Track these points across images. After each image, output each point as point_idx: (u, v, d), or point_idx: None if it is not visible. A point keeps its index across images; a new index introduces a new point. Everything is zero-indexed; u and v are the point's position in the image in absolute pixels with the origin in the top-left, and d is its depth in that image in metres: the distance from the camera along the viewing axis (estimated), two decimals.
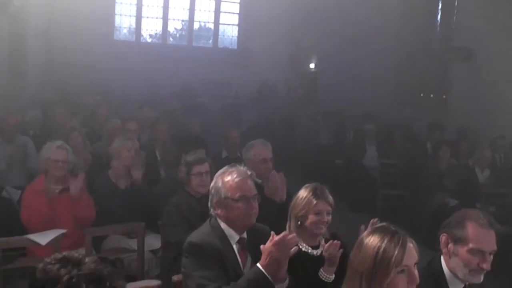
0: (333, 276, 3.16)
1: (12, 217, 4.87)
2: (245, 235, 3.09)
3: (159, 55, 12.78)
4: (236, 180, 3.02)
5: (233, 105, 12.57)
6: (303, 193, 3.30)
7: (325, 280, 3.16)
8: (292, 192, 3.72)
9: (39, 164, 4.92)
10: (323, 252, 3.16)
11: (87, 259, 1.48)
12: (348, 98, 11.55)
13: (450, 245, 2.71)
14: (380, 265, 2.14)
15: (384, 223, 2.31)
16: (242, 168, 3.16)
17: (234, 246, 3.04)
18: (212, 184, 3.12)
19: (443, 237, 2.76)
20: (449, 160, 7.59)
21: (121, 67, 11.45)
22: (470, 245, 2.63)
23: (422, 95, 11.66)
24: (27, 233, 4.24)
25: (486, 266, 2.62)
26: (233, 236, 3.05)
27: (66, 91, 10.05)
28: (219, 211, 3.04)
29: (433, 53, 11.45)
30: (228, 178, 3.04)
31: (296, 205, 3.29)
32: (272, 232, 2.78)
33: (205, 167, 4.42)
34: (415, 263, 2.19)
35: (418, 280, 2.18)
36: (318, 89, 13.44)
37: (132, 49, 12.87)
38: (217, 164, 5.44)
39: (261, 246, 2.77)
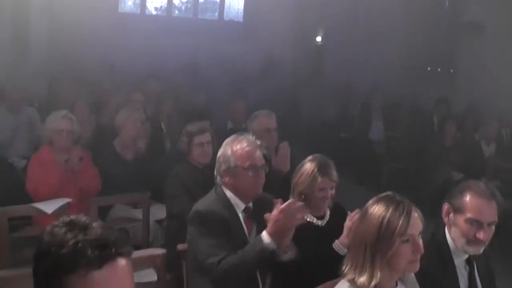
0: (346, 250, 3.11)
1: (18, 187, 4.89)
2: (250, 204, 3.10)
3: (164, 28, 12.68)
4: (246, 149, 3.01)
5: (239, 79, 12.51)
6: (308, 168, 3.27)
7: (340, 253, 3.13)
8: (296, 164, 3.70)
9: (44, 135, 4.91)
10: (347, 222, 3.13)
11: (94, 224, 1.46)
12: (355, 72, 11.48)
13: (451, 215, 2.72)
14: (385, 234, 2.14)
15: (389, 192, 2.30)
16: (251, 137, 3.15)
17: (240, 215, 3.05)
18: (220, 152, 3.09)
19: (445, 207, 2.76)
20: (455, 134, 7.56)
21: (126, 39, 11.40)
22: (468, 215, 2.63)
23: (429, 69, 11.57)
24: (32, 202, 4.26)
25: (482, 236, 2.60)
26: (239, 205, 3.05)
27: (71, 64, 10.02)
28: (227, 179, 3.03)
29: (441, 28, 11.33)
30: (238, 146, 3.03)
31: (301, 182, 3.26)
32: (278, 200, 2.78)
33: (206, 137, 4.38)
34: (420, 233, 2.19)
35: (422, 250, 2.18)
36: (324, 63, 13.36)
37: (137, 22, 12.77)
38: (222, 135, 5.47)
39: (266, 215, 2.78)
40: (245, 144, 3.03)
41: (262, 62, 13.24)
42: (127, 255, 1.49)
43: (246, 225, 3.05)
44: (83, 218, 1.48)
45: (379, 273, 2.14)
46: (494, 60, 9.15)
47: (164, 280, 3.18)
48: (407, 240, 2.16)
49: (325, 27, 13.25)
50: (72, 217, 1.49)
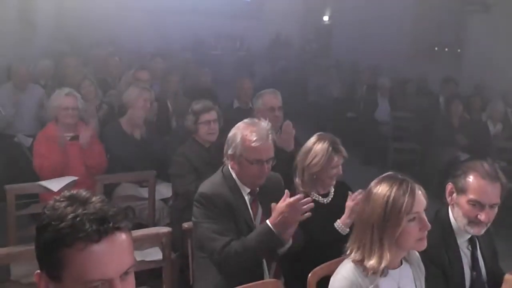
0: (348, 230, 3.15)
1: (24, 165, 4.92)
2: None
3: (171, 6, 12.61)
4: (255, 144, 2.91)
5: (246, 58, 12.49)
6: (321, 149, 3.25)
7: (341, 232, 3.17)
8: (301, 143, 3.70)
9: (49, 112, 4.93)
10: (348, 202, 3.16)
11: (94, 198, 1.47)
12: (362, 51, 11.42)
13: (454, 195, 2.71)
14: (391, 214, 2.14)
15: (390, 172, 2.30)
16: (263, 125, 3.02)
17: (246, 197, 3.02)
18: (231, 134, 3.04)
19: (448, 186, 2.75)
20: (461, 114, 7.53)
21: (132, 18, 11.37)
22: (470, 196, 2.62)
23: (436, 49, 11.50)
24: (39, 180, 4.28)
25: (484, 218, 2.60)
26: (245, 188, 3.03)
27: (77, 42, 10.02)
28: (231, 163, 3.01)
29: (449, 7, 11.21)
30: (248, 136, 2.94)
31: (315, 163, 3.24)
32: (286, 191, 2.76)
33: (212, 115, 4.36)
34: (425, 209, 2.19)
35: (429, 226, 2.18)
36: (332, 42, 13.28)
37: (142, 0, 12.71)
38: (228, 114, 5.47)
39: (272, 205, 2.77)
40: (255, 138, 2.92)
41: (269, 41, 13.20)
42: (125, 229, 1.49)
43: (252, 208, 3.03)
44: (83, 192, 1.49)
45: (388, 254, 2.15)
46: (501, 40, 9.07)
47: (170, 258, 3.20)
48: (414, 218, 2.16)
49: (332, 6, 13.16)
50: (73, 191, 1.50)
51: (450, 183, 2.74)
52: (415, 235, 2.17)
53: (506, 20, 9.12)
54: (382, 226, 2.15)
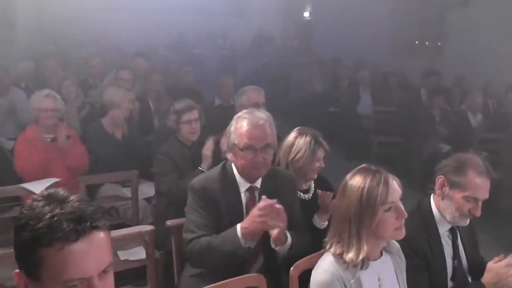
0: (326, 223, 3.22)
1: (6, 168, 4.89)
2: (257, 184, 2.95)
3: (152, 5, 12.55)
4: (246, 128, 2.82)
5: (228, 56, 12.48)
6: (304, 143, 3.26)
7: (319, 227, 3.23)
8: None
9: (29, 114, 4.90)
10: (318, 200, 3.20)
11: (71, 197, 1.48)
12: (344, 46, 11.45)
13: (446, 188, 2.73)
14: (367, 205, 2.17)
15: (364, 164, 2.32)
16: (259, 113, 2.92)
17: (243, 195, 2.92)
18: (228, 127, 2.96)
19: (439, 179, 2.76)
20: (443, 106, 7.59)
21: (114, 17, 11.30)
22: (467, 193, 2.66)
23: (417, 42, 11.58)
24: (21, 183, 4.26)
25: (478, 213, 2.68)
26: (243, 184, 2.93)
27: (58, 43, 9.95)
28: (230, 155, 2.93)
29: (429, 1, 11.29)
30: (239, 124, 2.86)
31: (299, 158, 3.25)
32: (263, 197, 2.70)
33: (194, 114, 4.36)
34: (400, 199, 2.21)
35: (406, 214, 2.21)
36: (313, 38, 13.31)
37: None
38: (210, 111, 5.48)
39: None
40: (246, 123, 2.83)
41: (251, 38, 13.19)
42: (103, 228, 1.49)
43: (247, 206, 2.88)
44: (61, 191, 1.50)
45: (365, 246, 2.18)
46: (481, 33, 9.15)
47: (153, 256, 3.20)
48: (389, 208, 2.19)
49: (312, 2, 13.18)
50: (51, 190, 1.51)
51: (441, 176, 2.76)
52: (392, 224, 2.20)
53: (485, 13, 9.19)
54: (359, 218, 2.18)
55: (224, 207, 2.85)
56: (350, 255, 2.19)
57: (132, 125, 5.24)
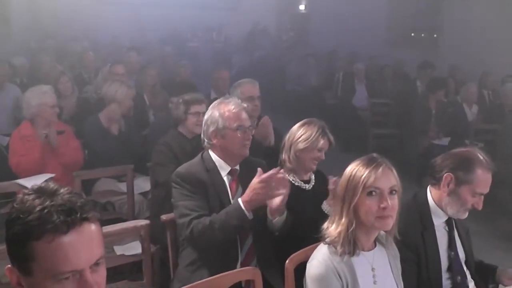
0: None
1: (1, 163, 4.87)
2: (237, 166, 3.14)
3: None
4: (234, 110, 3.06)
5: (223, 49, 12.46)
6: (310, 129, 3.34)
7: (327, 213, 3.21)
8: (281, 134, 3.74)
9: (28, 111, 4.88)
10: (330, 186, 3.21)
11: (61, 190, 1.47)
12: (339, 39, 11.45)
13: (452, 185, 2.74)
14: (351, 184, 2.21)
15: (373, 154, 2.33)
16: (237, 99, 3.20)
17: (225, 178, 3.07)
18: (208, 115, 3.13)
19: (448, 177, 2.75)
20: (439, 98, 7.58)
21: (109, 12, 11.27)
22: (476, 189, 2.69)
23: (413, 34, 11.58)
24: (17, 179, 4.25)
25: (480, 207, 2.72)
26: (224, 167, 3.09)
27: (52, 37, 9.91)
28: (215, 141, 3.06)
29: None
30: (225, 108, 3.07)
31: (301, 141, 3.31)
32: (259, 169, 2.81)
33: (202, 107, 4.37)
34: (391, 189, 2.21)
35: (389, 205, 2.18)
36: (308, 31, 13.30)
37: None
38: (207, 105, 5.46)
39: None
40: (232, 106, 3.07)
41: (246, 31, 13.17)
42: (94, 219, 1.49)
43: (231, 188, 3.07)
44: (51, 185, 1.49)
45: (344, 219, 2.21)
46: (476, 25, 9.16)
47: (149, 250, 3.19)
48: (372, 193, 2.19)
49: None
50: (42, 184, 1.50)
51: (449, 173, 2.75)
52: (373, 210, 2.18)
53: (480, 5, 9.20)
54: (343, 197, 2.23)
55: (211, 189, 2.99)
56: (330, 230, 2.25)
57: (127, 119, 5.22)
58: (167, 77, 7.77)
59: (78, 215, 1.43)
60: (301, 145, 3.31)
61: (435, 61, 9.20)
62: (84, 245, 1.44)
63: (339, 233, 2.21)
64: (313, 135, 3.31)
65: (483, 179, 2.69)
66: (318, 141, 3.30)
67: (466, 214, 2.78)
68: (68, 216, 1.41)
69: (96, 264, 1.48)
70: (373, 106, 8.72)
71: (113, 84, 5.18)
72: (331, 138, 3.38)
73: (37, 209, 1.40)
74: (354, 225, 2.21)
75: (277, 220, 2.92)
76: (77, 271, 1.43)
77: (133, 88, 5.38)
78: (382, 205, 2.18)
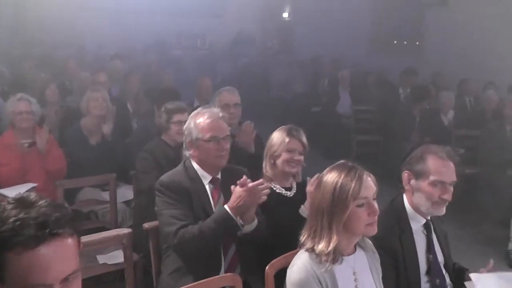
0: None
1: None
2: (219, 175, 3.16)
3: (131, 6, 12.47)
4: (207, 121, 3.06)
5: (208, 57, 12.46)
6: (278, 133, 3.39)
7: (305, 217, 3.21)
8: (265, 140, 3.76)
9: (5, 119, 4.88)
10: (308, 187, 3.22)
11: (40, 202, 1.46)
12: (323, 46, 11.50)
13: (412, 181, 2.79)
14: (339, 199, 2.21)
15: (342, 160, 2.36)
16: (215, 109, 3.21)
17: (207, 186, 3.09)
18: (185, 126, 3.16)
19: (405, 174, 2.83)
20: (423, 107, 7.64)
21: (93, 19, 11.22)
22: (431, 178, 2.72)
23: (395, 42, 11.68)
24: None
25: (448, 196, 2.72)
26: (206, 176, 3.11)
27: (36, 44, 9.86)
28: (192, 151, 3.09)
29: (408, 0, 11.39)
30: (200, 119, 3.08)
31: (271, 145, 3.36)
32: (245, 176, 2.84)
33: (185, 116, 4.37)
34: (374, 196, 2.24)
35: (378, 211, 2.24)
36: (292, 38, 13.35)
37: (102, 1, 12.53)
38: (189, 113, 5.46)
39: (232, 187, 2.84)
40: (206, 116, 3.08)
41: (230, 38, 13.18)
42: (67, 234, 1.47)
43: (213, 196, 3.09)
44: (32, 195, 1.48)
45: (335, 237, 2.21)
46: (458, 32, 9.26)
47: (131, 259, 3.18)
48: (362, 204, 2.22)
49: (291, 3, 13.21)
50: (24, 194, 1.50)
51: (406, 171, 2.82)
52: (364, 220, 2.23)
53: (462, 12, 9.30)
54: (331, 211, 2.22)
55: (195, 197, 3.01)
56: (320, 246, 2.22)
57: (108, 129, 5.20)
58: (151, 85, 7.76)
59: (49, 230, 1.42)
60: (272, 150, 3.35)
61: (418, 68, 9.28)
62: (54, 260, 1.43)
63: (332, 250, 2.21)
64: (279, 137, 3.35)
65: (436, 166, 2.72)
66: (284, 142, 3.32)
67: (443, 210, 2.78)
68: (39, 230, 1.40)
69: (67, 279, 1.46)
70: (356, 113, 8.77)
71: (89, 94, 5.19)
72: (303, 139, 3.38)
73: (11, 220, 1.40)
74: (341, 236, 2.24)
75: (248, 227, 2.92)
76: (47, 285, 1.42)
77: (100, 90, 5.33)
78: (372, 213, 2.23)
